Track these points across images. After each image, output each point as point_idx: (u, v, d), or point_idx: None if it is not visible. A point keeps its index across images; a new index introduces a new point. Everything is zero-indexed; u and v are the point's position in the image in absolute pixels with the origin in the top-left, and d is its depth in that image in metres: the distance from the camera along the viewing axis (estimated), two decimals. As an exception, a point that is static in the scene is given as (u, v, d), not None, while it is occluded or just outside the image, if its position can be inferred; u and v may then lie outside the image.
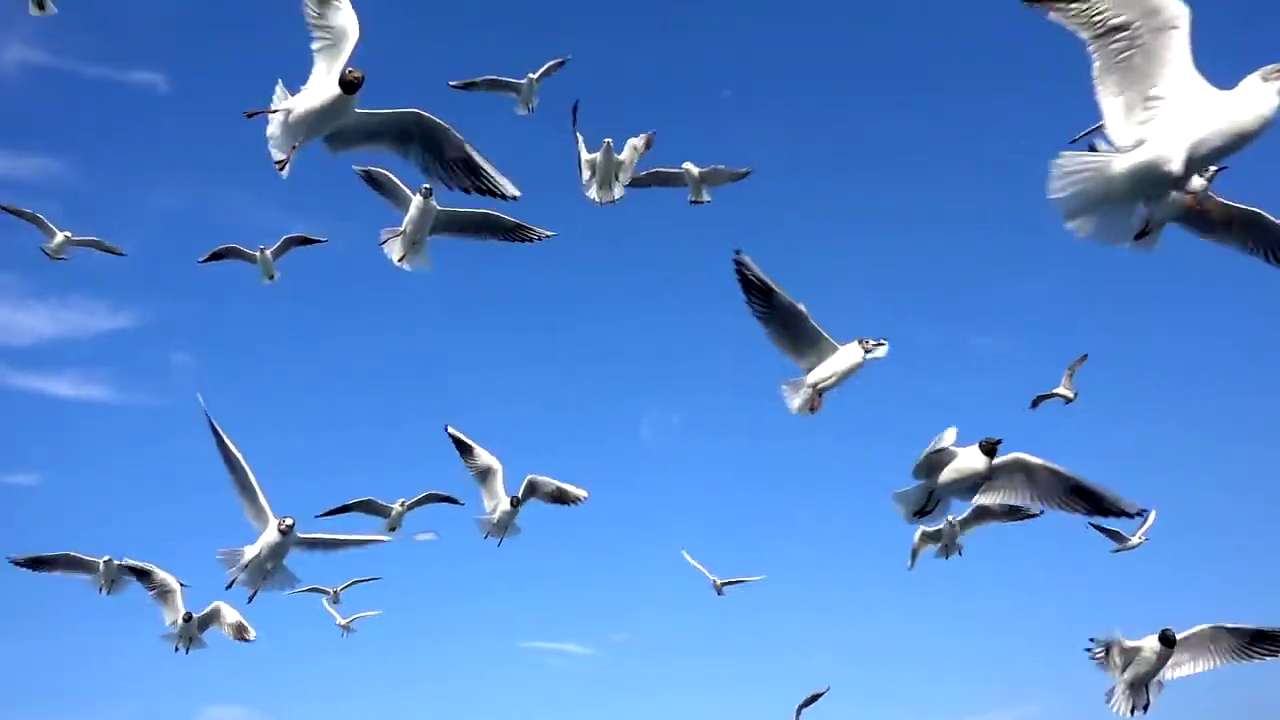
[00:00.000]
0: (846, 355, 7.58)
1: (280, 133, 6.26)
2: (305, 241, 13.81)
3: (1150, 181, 5.01)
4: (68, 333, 22.66)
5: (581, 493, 11.75)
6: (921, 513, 7.68)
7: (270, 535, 8.64)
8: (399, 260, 8.63)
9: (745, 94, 24.87)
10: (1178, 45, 4.77)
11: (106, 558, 11.97)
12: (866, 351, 7.60)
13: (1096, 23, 4.85)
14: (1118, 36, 4.85)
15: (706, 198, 12.68)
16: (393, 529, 13.15)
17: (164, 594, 11.25)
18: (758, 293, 7.52)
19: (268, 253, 13.75)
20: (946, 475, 7.44)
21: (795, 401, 7.76)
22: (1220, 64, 4.90)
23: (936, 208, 25.25)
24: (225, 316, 14.19)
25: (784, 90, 25.46)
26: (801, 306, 7.59)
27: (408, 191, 8.55)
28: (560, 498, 11.72)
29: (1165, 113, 4.84)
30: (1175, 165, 4.84)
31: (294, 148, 6.23)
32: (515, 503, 11.41)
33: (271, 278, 14.03)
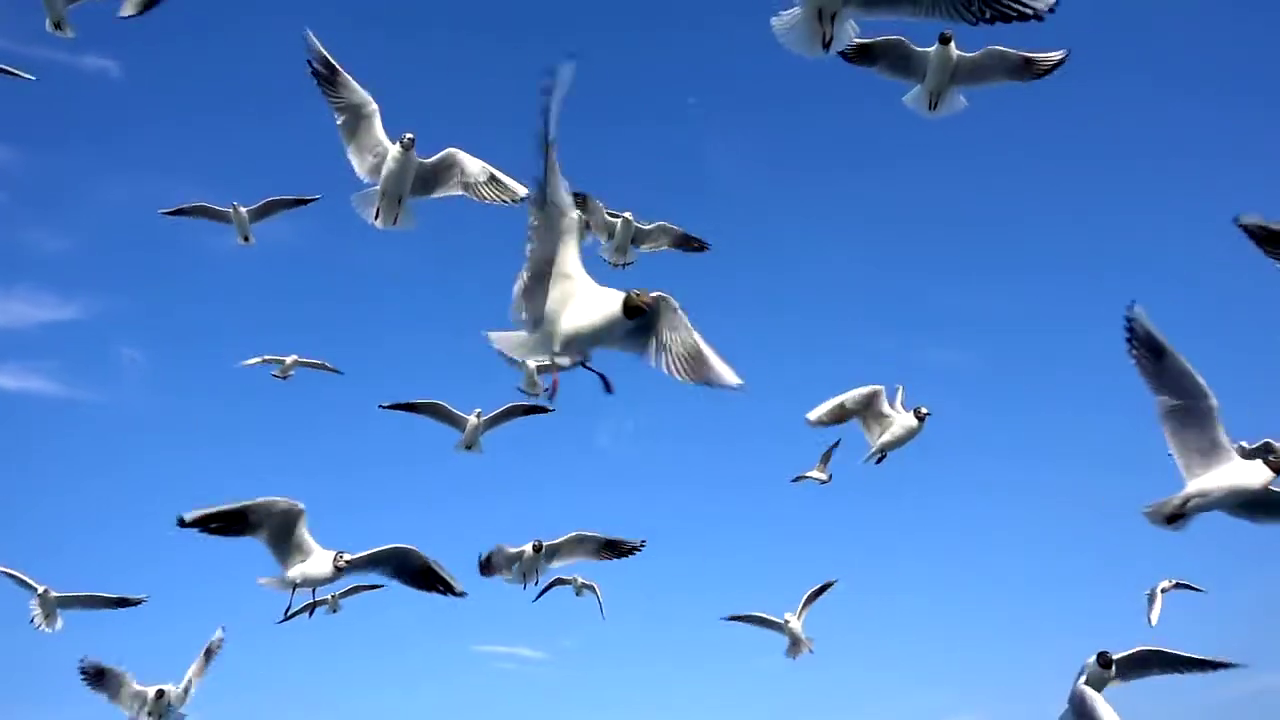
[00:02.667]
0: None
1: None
2: (293, 204, 12.29)
3: None
4: (12, 323, 20.71)
5: (636, 542, 10.56)
6: (1175, 518, 6.85)
7: (322, 568, 7.59)
8: (376, 221, 8.11)
9: (710, 101, 23.37)
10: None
11: (43, 589, 10.26)
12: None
13: None
14: None
15: (631, 259, 12.26)
16: (469, 447, 12.00)
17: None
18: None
19: (243, 210, 12.36)
20: (1221, 488, 6.49)
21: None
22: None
23: (904, 214, 24.38)
24: (175, 311, 12.57)
25: (749, 97, 24.40)
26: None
27: (381, 137, 7.86)
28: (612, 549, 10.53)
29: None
30: None
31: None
32: (538, 549, 9.89)
33: (247, 239, 12.73)
